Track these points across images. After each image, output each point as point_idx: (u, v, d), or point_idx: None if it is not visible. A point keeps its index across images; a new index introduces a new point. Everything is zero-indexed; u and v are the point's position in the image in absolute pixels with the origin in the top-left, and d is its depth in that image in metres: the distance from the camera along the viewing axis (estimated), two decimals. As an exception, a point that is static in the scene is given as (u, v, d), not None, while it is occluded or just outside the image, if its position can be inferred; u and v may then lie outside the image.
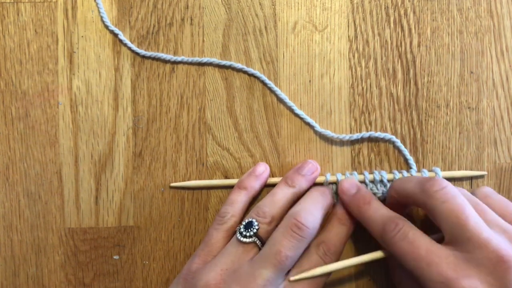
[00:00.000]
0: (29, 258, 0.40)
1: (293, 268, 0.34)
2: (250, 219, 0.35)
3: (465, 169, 0.40)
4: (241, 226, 0.35)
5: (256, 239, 0.34)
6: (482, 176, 0.40)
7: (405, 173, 0.38)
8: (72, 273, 0.40)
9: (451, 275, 0.28)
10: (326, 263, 0.34)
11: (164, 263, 0.40)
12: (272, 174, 0.40)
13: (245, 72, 0.40)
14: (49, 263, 0.40)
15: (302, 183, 0.37)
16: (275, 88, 0.40)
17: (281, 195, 0.36)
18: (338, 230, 0.36)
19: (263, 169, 0.39)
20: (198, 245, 0.39)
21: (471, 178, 0.40)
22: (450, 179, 0.39)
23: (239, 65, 0.40)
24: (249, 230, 0.34)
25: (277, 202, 0.36)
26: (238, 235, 0.34)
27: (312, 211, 0.34)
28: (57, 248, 0.40)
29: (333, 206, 0.37)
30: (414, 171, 0.39)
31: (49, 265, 0.40)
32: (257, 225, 0.34)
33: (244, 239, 0.34)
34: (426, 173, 0.38)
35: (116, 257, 0.40)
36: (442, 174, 0.38)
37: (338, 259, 0.35)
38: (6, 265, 0.40)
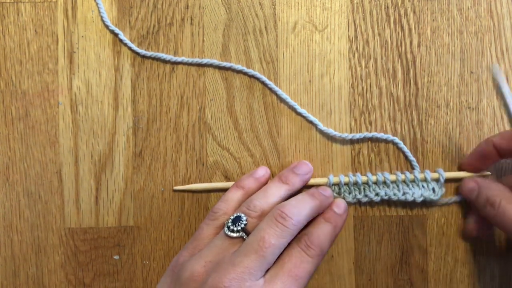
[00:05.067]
0: (29, 258, 0.40)
1: (274, 263, 0.33)
2: (238, 214, 0.35)
3: (465, 169, 0.40)
4: (229, 221, 0.35)
5: (243, 234, 0.34)
6: (486, 177, 0.39)
7: (408, 174, 0.38)
8: (72, 273, 0.40)
9: None
10: (308, 255, 0.34)
11: (164, 263, 0.40)
12: (272, 174, 0.40)
13: (245, 74, 0.40)
14: (49, 263, 0.40)
15: (295, 181, 0.38)
16: (276, 88, 0.40)
17: (274, 190, 0.37)
18: (323, 226, 0.36)
19: (263, 172, 0.39)
20: (198, 245, 0.39)
21: None
22: (453, 180, 0.39)
23: (239, 67, 0.40)
24: (237, 224, 0.34)
25: (269, 197, 0.36)
26: (225, 229, 0.34)
27: (297, 206, 0.35)
28: (57, 248, 0.40)
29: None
30: (417, 172, 0.39)
31: (49, 265, 0.40)
32: (245, 220, 0.35)
33: (232, 234, 0.34)
34: (429, 174, 0.38)
35: (116, 257, 0.40)
36: (446, 174, 0.39)
37: (322, 254, 0.34)
38: (6, 265, 0.40)
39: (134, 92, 0.40)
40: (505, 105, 0.34)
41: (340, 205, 0.37)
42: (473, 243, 0.40)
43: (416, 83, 0.40)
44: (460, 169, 0.40)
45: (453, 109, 0.40)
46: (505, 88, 0.33)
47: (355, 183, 0.39)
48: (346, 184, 0.39)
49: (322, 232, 0.35)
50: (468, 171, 0.39)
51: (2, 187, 0.40)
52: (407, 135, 0.40)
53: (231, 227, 0.34)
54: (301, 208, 0.34)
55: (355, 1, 0.40)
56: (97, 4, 0.40)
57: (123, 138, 0.40)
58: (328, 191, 0.38)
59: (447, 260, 0.40)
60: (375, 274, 0.40)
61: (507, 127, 0.40)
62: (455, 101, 0.40)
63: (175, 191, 0.40)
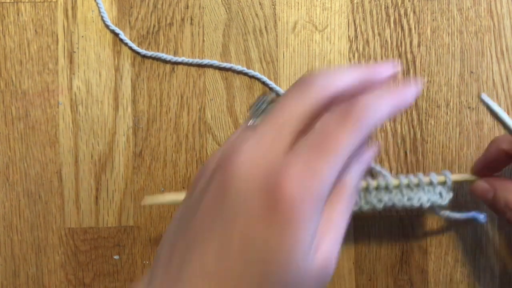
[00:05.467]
0: (29, 258, 0.40)
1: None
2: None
3: (465, 169, 0.39)
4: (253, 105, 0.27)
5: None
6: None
7: (412, 178, 0.36)
8: (72, 273, 0.40)
9: None
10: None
11: (164, 263, 0.40)
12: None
13: (245, 74, 0.40)
14: (49, 263, 0.40)
15: None
16: (278, 88, 0.40)
17: None
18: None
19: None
20: (198, 245, 0.39)
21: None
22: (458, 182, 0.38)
23: (239, 67, 0.40)
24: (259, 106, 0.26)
25: None
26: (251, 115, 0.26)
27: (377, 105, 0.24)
28: (57, 248, 0.40)
29: None
30: (421, 175, 0.36)
31: (49, 265, 0.40)
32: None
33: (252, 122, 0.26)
34: (434, 177, 0.36)
35: (116, 257, 0.40)
36: (453, 177, 0.36)
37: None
38: (6, 265, 0.40)
39: (134, 92, 0.40)
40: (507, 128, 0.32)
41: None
42: (473, 243, 0.40)
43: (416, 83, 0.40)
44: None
45: (453, 109, 0.40)
46: (502, 113, 0.32)
47: None
48: None
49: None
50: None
51: (2, 187, 0.40)
52: (407, 135, 0.40)
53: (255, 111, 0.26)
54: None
55: (355, 1, 0.40)
56: (97, 4, 0.40)
57: (123, 138, 0.40)
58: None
59: (447, 260, 0.40)
60: (375, 274, 0.40)
61: (507, 127, 0.40)
62: (455, 101, 0.40)
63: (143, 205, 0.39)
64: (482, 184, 0.35)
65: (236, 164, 0.23)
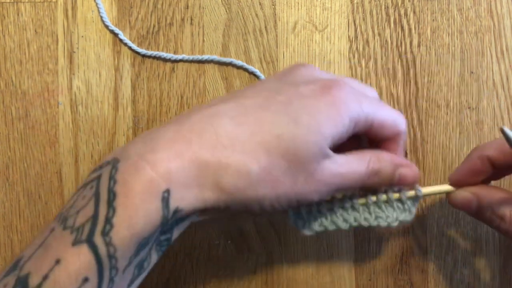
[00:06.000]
0: (29, 258, 0.40)
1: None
2: None
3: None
4: None
5: None
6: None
7: (381, 195, 0.33)
8: (72, 273, 0.40)
9: None
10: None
11: (163, 263, 0.40)
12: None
13: (245, 70, 0.40)
14: (49, 263, 0.40)
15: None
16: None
17: None
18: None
19: None
20: (198, 246, 0.39)
21: None
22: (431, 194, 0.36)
23: (239, 62, 0.40)
24: None
25: None
26: None
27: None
28: (57, 248, 0.40)
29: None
30: (391, 192, 0.33)
31: (49, 265, 0.40)
32: None
33: None
34: (404, 194, 0.33)
35: (116, 257, 0.40)
36: (427, 190, 0.34)
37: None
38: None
39: (134, 92, 0.40)
40: None
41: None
42: (473, 243, 0.40)
43: (416, 83, 0.40)
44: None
45: (453, 109, 0.40)
46: None
47: (319, 206, 0.33)
48: (309, 209, 0.33)
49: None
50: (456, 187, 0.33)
51: (2, 187, 0.40)
52: (407, 135, 0.40)
53: None
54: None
55: (355, 1, 0.40)
56: (97, 4, 0.40)
57: (123, 138, 0.40)
58: None
59: (447, 260, 0.40)
60: (375, 274, 0.40)
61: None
62: (455, 101, 0.40)
63: None
64: (463, 194, 0.31)
65: (312, 66, 0.33)
